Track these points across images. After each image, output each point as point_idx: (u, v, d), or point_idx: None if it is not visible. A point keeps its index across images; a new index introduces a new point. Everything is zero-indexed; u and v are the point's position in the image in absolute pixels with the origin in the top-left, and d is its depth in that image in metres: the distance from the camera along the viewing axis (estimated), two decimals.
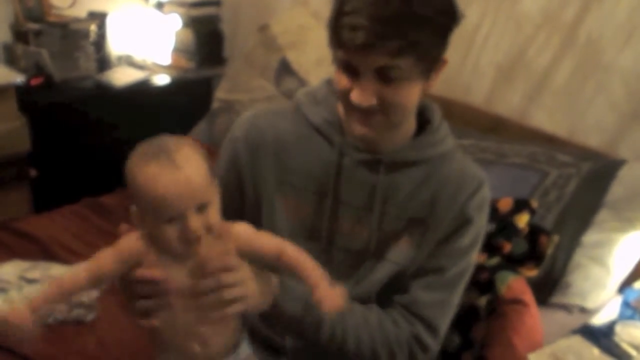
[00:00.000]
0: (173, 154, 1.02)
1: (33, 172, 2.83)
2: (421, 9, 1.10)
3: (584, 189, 1.78)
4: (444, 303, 1.32)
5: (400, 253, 1.31)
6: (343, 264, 1.33)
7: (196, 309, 1.10)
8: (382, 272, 1.32)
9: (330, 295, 1.09)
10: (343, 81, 1.18)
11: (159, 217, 1.02)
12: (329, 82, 1.33)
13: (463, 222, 1.29)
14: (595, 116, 1.96)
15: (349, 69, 1.16)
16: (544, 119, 2.09)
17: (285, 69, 2.57)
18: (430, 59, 1.16)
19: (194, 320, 1.11)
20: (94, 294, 1.77)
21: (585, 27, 1.96)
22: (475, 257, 1.35)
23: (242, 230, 1.14)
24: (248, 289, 1.12)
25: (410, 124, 1.30)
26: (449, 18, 1.15)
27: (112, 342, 1.63)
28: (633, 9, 1.85)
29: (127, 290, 1.09)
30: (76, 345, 1.62)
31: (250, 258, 1.14)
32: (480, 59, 2.24)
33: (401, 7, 1.08)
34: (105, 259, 1.07)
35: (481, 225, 1.32)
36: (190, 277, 1.08)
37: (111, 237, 2.34)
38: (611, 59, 1.92)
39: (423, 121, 1.32)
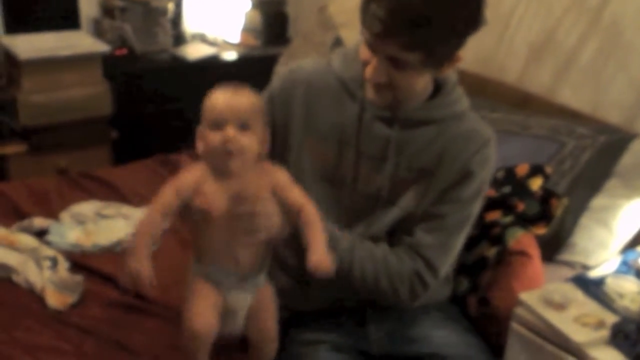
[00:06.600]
0: (239, 88, 1.30)
1: (114, 134, 3.09)
2: (437, 13, 1.21)
3: (597, 159, 1.87)
4: (444, 246, 1.44)
5: (408, 200, 1.44)
6: (359, 207, 1.47)
7: (232, 232, 1.27)
8: (391, 216, 1.46)
9: (324, 259, 1.25)
10: (364, 54, 1.34)
11: (209, 124, 1.27)
12: None
13: (465, 175, 1.41)
14: (616, 93, 2.04)
15: (370, 47, 1.31)
16: (570, 96, 2.16)
17: (338, 46, 2.73)
18: (439, 56, 1.29)
19: (230, 241, 1.30)
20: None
21: (609, 9, 2.03)
22: (477, 208, 1.47)
23: (281, 175, 1.34)
24: (274, 222, 1.30)
25: (427, 87, 1.42)
26: (465, 25, 1.26)
27: (166, 268, 1.73)
28: None
29: (184, 213, 1.31)
30: None
31: (277, 201, 1.31)
32: (514, 40, 2.33)
33: (419, 7, 1.20)
34: (169, 192, 1.28)
35: (483, 179, 1.43)
36: (231, 203, 1.26)
37: None
38: (631, 39, 1.99)
39: (439, 84, 1.45)
